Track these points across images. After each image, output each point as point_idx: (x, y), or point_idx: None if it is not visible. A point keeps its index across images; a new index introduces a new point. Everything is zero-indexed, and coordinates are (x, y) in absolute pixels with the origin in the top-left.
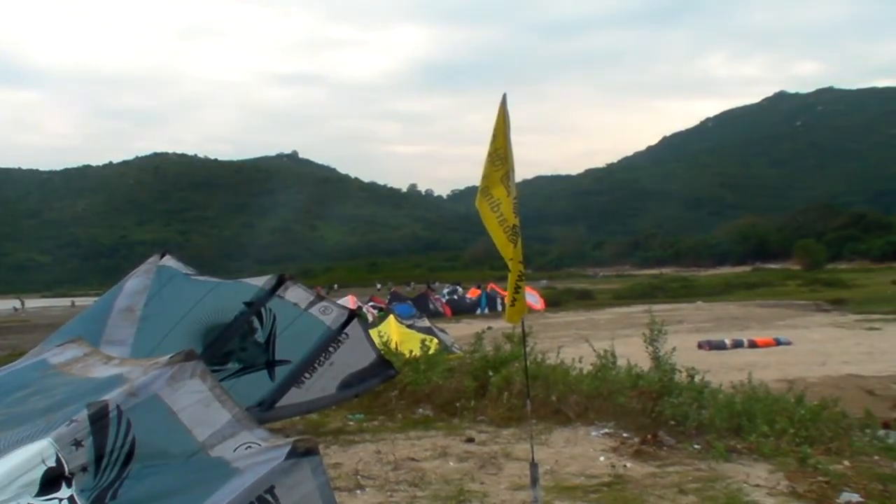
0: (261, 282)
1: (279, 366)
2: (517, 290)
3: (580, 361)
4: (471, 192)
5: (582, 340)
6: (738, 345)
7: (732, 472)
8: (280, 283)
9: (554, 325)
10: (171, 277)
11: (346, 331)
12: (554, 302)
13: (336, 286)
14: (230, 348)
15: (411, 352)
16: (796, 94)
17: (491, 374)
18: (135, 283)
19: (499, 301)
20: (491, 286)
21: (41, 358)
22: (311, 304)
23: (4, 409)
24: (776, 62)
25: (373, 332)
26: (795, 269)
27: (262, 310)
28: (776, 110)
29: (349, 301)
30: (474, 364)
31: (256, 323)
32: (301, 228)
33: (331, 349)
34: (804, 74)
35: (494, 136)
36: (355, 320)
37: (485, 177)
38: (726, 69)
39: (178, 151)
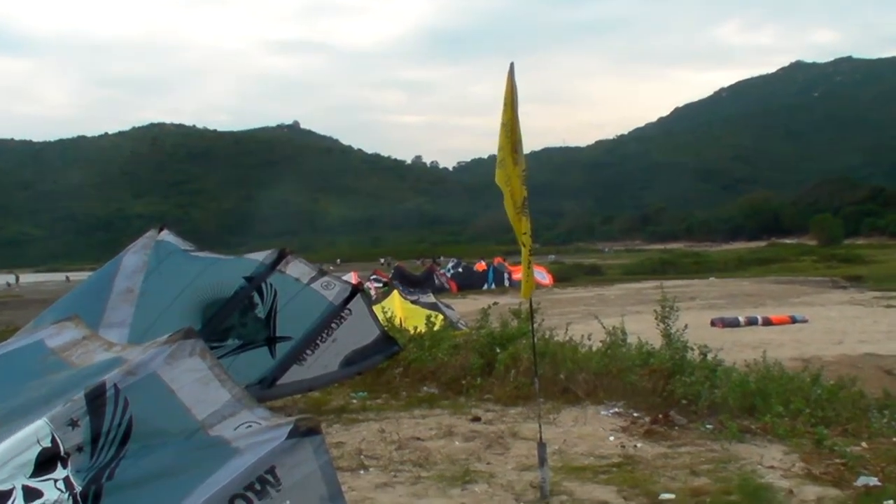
0: (261, 256)
1: (280, 342)
2: (528, 264)
3: (589, 339)
4: (477, 164)
5: (591, 317)
6: (752, 322)
7: (746, 453)
8: (281, 257)
9: (562, 301)
10: (169, 253)
11: (348, 306)
12: (562, 277)
13: (339, 261)
14: (230, 324)
15: (416, 328)
16: (813, 64)
17: (498, 351)
18: (133, 260)
19: (506, 276)
20: (498, 260)
21: (38, 339)
22: (313, 279)
23: (5, 402)
24: (793, 31)
25: (376, 308)
26: (811, 244)
27: (263, 285)
28: (792, 80)
29: (351, 277)
30: (480, 341)
31: (257, 298)
32: (302, 201)
33: (333, 325)
34: (822, 43)
35: (505, 107)
36: (358, 295)
37: (500, 148)
38: (741, 38)
39: (176, 122)
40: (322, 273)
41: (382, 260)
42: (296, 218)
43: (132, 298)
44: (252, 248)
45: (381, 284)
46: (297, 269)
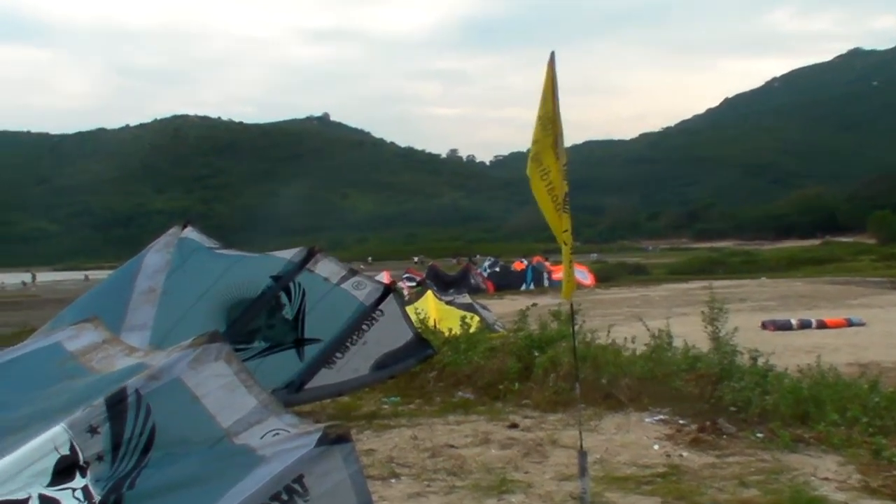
0: (289, 255)
1: (309, 345)
2: (570, 264)
3: (633, 342)
4: (515, 158)
5: (635, 319)
6: (805, 325)
7: (798, 464)
8: (310, 255)
9: (604, 303)
10: (193, 251)
11: (380, 307)
12: (604, 277)
13: (370, 259)
14: (256, 326)
15: (451, 330)
16: (873, 51)
17: (536, 354)
18: (155, 258)
19: (545, 275)
20: (537, 259)
21: (55, 341)
22: (344, 278)
23: (23, 409)
24: (851, 16)
25: (409, 310)
26: (869, 243)
27: (291, 284)
28: (850, 69)
29: (384, 277)
30: (518, 344)
31: (284, 299)
32: (332, 197)
33: (364, 327)
34: (882, 29)
35: (544, 98)
36: (391, 296)
37: (535, 142)
38: (795, 24)
39: (200, 114)
40: (353, 272)
41: (416, 258)
42: (325, 214)
43: (154, 298)
44: (279, 246)
45: (414, 284)
46: (326, 268)
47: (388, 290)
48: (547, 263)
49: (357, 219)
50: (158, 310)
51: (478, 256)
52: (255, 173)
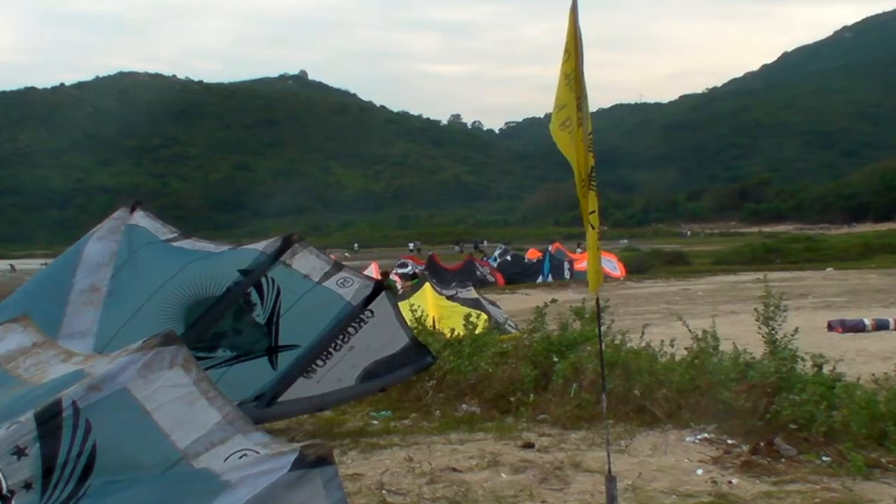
0: (261, 245)
1: (284, 351)
2: (595, 252)
3: (671, 345)
4: (530, 125)
5: (673, 317)
6: (881, 326)
7: (874, 494)
8: (285, 246)
9: (637, 298)
10: (145, 243)
11: (370, 307)
12: (637, 267)
13: (356, 247)
14: (220, 330)
15: (453, 331)
16: None
17: (556, 359)
18: (98, 249)
19: (566, 265)
20: (556, 246)
21: None
22: (327, 274)
23: None
24: None
25: (403, 306)
26: None
27: (263, 281)
28: None
29: (372, 270)
30: (534, 347)
31: (255, 297)
32: (310, 172)
33: (350, 330)
34: None
35: (567, 53)
36: (383, 294)
37: (564, 105)
38: None
39: (152, 71)
40: (338, 267)
41: (411, 245)
42: (302, 193)
43: (98, 300)
44: (249, 230)
45: (408, 274)
46: (306, 261)
47: (380, 286)
48: (567, 251)
49: (341, 198)
50: (103, 313)
51: (485, 243)
52: (219, 143)
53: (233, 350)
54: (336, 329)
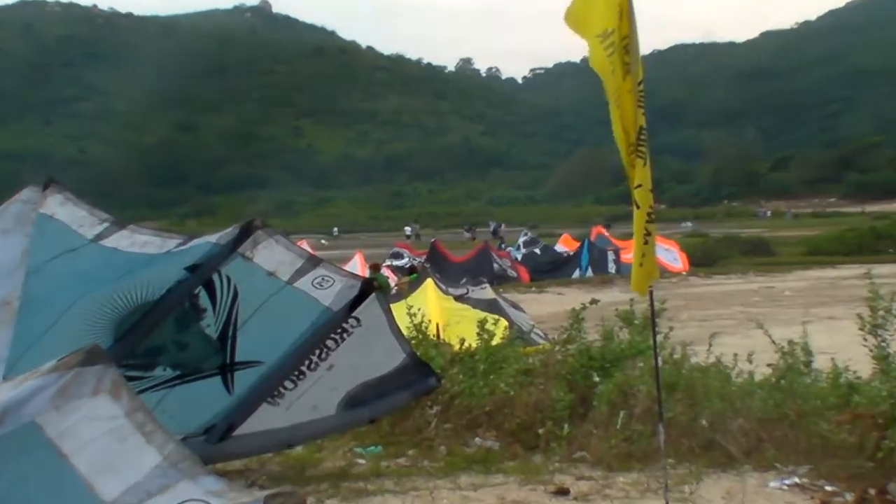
0: (214, 236)
1: (242, 370)
2: (646, 240)
3: (749, 361)
4: (564, 72)
5: (752, 324)
6: None
7: None
8: (245, 235)
9: (704, 298)
10: (64, 250)
11: (356, 314)
12: (704, 259)
13: (336, 231)
14: (158, 342)
15: (463, 341)
16: None
17: (597, 380)
18: (3, 247)
19: (610, 256)
20: (597, 231)
21: None
22: (299, 271)
23: None
24: None
25: (397, 308)
26: None
27: (215, 279)
28: None
29: (357, 263)
30: (569, 363)
31: (204, 300)
32: (276, 134)
33: (330, 343)
34: None
35: None
36: (373, 297)
37: (608, 34)
38: None
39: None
40: (314, 262)
41: (408, 230)
42: (263, 161)
43: (9, 317)
44: (192, 209)
45: (404, 268)
46: (271, 254)
47: (368, 287)
48: (612, 237)
49: (316, 168)
50: (16, 333)
51: (503, 227)
52: (154, 96)
53: (175, 368)
54: (311, 342)
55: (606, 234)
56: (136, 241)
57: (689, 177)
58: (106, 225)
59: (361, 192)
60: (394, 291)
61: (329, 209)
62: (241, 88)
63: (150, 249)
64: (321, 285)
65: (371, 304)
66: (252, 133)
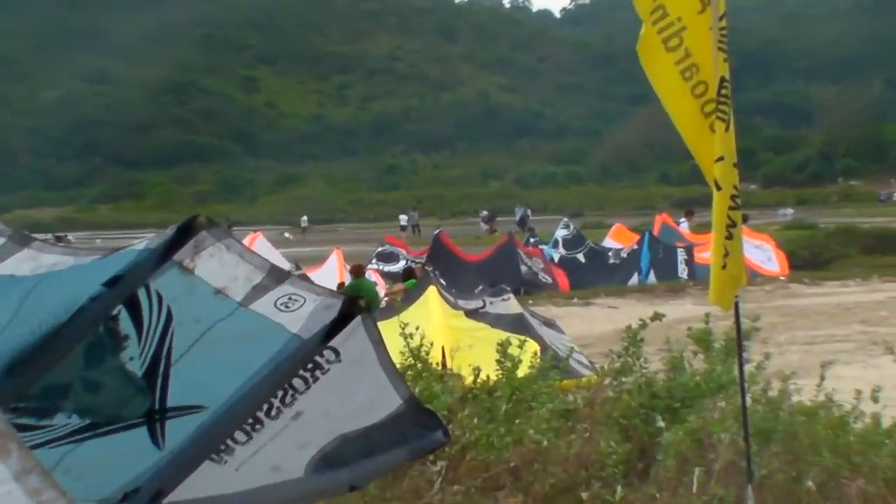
0: (140, 245)
1: (177, 417)
2: (729, 233)
3: (874, 400)
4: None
5: (877, 349)
6: None
7: None
8: (184, 236)
9: (810, 313)
10: None
11: (334, 344)
12: (810, 259)
13: (305, 221)
14: (62, 380)
15: (477, 372)
16: None
17: (662, 424)
18: None
19: (679, 255)
20: (662, 220)
21: None
22: (259, 288)
23: None
24: None
25: (387, 327)
26: None
27: (142, 296)
28: None
29: (333, 267)
30: (624, 402)
31: (126, 325)
32: (221, 87)
33: (298, 384)
34: None
35: None
36: (357, 321)
37: None
38: None
39: None
40: (278, 276)
41: (404, 218)
42: (204, 123)
43: None
44: (104, 191)
45: (399, 273)
46: (220, 265)
47: (352, 308)
48: (682, 229)
49: (278, 135)
50: None
51: (528, 214)
52: (53, 32)
53: (84, 415)
54: (272, 381)
55: (676, 225)
56: (42, 262)
57: (791, 146)
58: (1, 242)
59: (340, 168)
60: (383, 304)
61: (296, 191)
62: (175, 23)
63: (60, 268)
64: (287, 306)
65: (355, 331)
66: (190, 85)
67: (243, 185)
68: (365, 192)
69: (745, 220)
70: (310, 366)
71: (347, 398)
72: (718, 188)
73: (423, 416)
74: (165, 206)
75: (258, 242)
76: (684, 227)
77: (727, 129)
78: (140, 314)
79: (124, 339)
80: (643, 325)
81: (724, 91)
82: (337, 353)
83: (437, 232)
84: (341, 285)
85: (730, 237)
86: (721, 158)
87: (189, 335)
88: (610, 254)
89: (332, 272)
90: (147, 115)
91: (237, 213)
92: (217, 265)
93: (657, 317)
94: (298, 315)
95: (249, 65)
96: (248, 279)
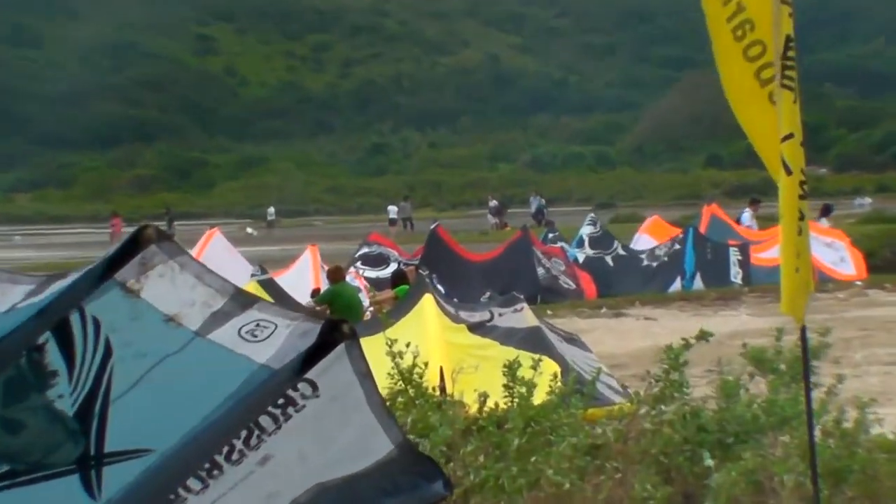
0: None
1: (117, 463)
2: (800, 227)
3: None
4: None
5: None
6: None
7: None
8: (129, 250)
9: (891, 325)
10: None
11: (311, 376)
12: (892, 259)
13: (271, 213)
14: None
15: (484, 398)
16: None
17: (710, 463)
18: None
19: (733, 256)
20: (711, 212)
21: None
22: (219, 315)
23: None
24: None
25: (373, 344)
26: None
27: (75, 322)
28: None
29: (307, 265)
30: (664, 436)
31: (54, 357)
32: (173, 48)
33: (266, 423)
34: None
35: None
36: (340, 349)
37: None
38: None
39: None
40: (243, 302)
41: (394, 210)
42: (154, 91)
43: None
44: (27, 174)
45: (387, 278)
46: (173, 286)
47: (333, 333)
48: (739, 226)
49: (239, 107)
50: None
51: (544, 202)
52: None
53: (4, 462)
54: (234, 419)
55: (730, 218)
56: None
57: (869, 120)
58: None
59: (315, 149)
60: (368, 316)
61: (261, 176)
62: None
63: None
64: (254, 335)
65: (337, 361)
66: (130, 48)
67: (196, 170)
68: (345, 177)
69: (827, 211)
70: (281, 401)
71: (326, 441)
72: (789, 172)
73: (418, 463)
74: (99, 196)
75: (214, 242)
76: (747, 219)
77: (795, 99)
78: (72, 344)
79: (52, 374)
80: (687, 343)
81: (789, 53)
82: (314, 386)
83: (433, 226)
84: (316, 291)
85: (801, 233)
86: (790, 136)
87: (133, 371)
88: (644, 256)
89: (304, 275)
90: (78, 84)
91: (188, 204)
92: (168, 287)
93: (704, 335)
94: (268, 344)
95: (203, 21)
96: (206, 304)
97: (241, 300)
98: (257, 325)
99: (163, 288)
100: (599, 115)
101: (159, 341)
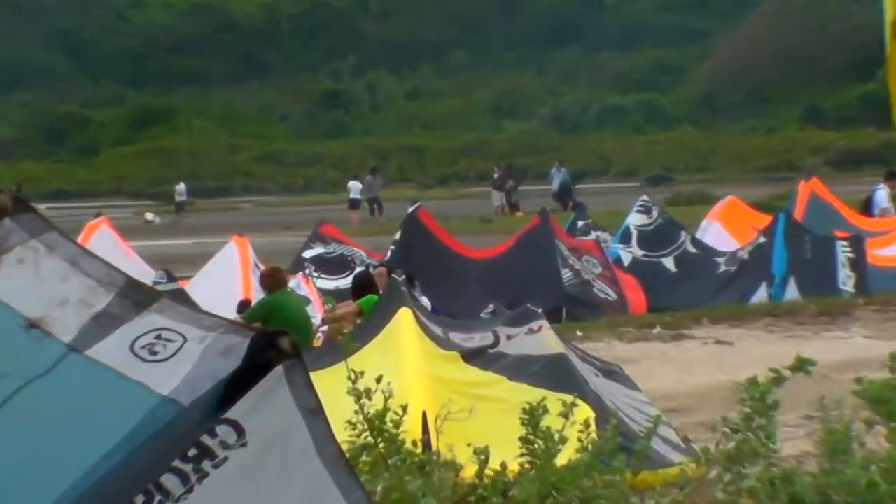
0: None
1: None
2: None
3: None
4: None
5: None
6: None
7: None
8: None
9: None
10: None
11: (233, 414)
12: None
13: (182, 191)
14: None
15: (483, 455)
16: None
17: None
18: None
19: (840, 252)
20: (810, 187)
21: None
22: (103, 319)
23: None
24: None
25: (326, 378)
26: None
27: None
28: None
29: (231, 265)
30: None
31: None
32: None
33: (171, 483)
34: None
35: None
36: (278, 373)
37: None
38: None
39: None
40: (140, 298)
41: (356, 186)
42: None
43: None
44: None
45: (350, 289)
46: (34, 277)
47: (268, 348)
48: (850, 211)
49: (129, 41)
50: None
51: (570, 180)
52: None
53: None
54: (125, 478)
55: (830, 197)
56: None
57: None
58: None
59: (244, 98)
60: (320, 338)
61: (164, 138)
62: None
63: None
64: (153, 352)
65: (272, 393)
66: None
67: (72, 130)
68: (286, 140)
69: (893, 176)
70: (193, 452)
71: None
72: None
73: None
74: None
75: (99, 235)
76: (883, 199)
77: None
78: None
79: None
80: (778, 376)
81: None
82: (240, 430)
83: (412, 209)
84: (246, 304)
85: None
86: None
87: None
88: (723, 261)
89: (228, 280)
90: None
91: (61, 178)
92: (31, 279)
93: (802, 363)
94: (173, 365)
95: None
96: (84, 303)
97: (135, 297)
98: (158, 336)
99: (22, 279)
100: (649, 51)
101: (19, 358)
